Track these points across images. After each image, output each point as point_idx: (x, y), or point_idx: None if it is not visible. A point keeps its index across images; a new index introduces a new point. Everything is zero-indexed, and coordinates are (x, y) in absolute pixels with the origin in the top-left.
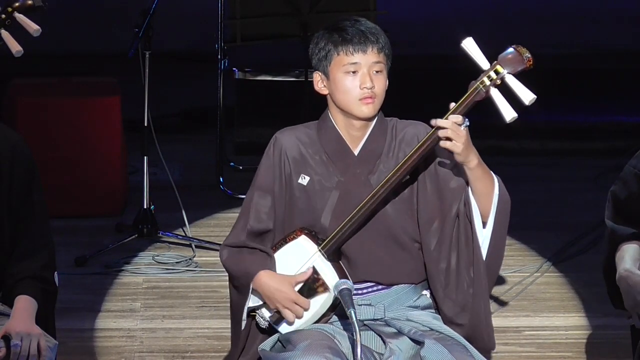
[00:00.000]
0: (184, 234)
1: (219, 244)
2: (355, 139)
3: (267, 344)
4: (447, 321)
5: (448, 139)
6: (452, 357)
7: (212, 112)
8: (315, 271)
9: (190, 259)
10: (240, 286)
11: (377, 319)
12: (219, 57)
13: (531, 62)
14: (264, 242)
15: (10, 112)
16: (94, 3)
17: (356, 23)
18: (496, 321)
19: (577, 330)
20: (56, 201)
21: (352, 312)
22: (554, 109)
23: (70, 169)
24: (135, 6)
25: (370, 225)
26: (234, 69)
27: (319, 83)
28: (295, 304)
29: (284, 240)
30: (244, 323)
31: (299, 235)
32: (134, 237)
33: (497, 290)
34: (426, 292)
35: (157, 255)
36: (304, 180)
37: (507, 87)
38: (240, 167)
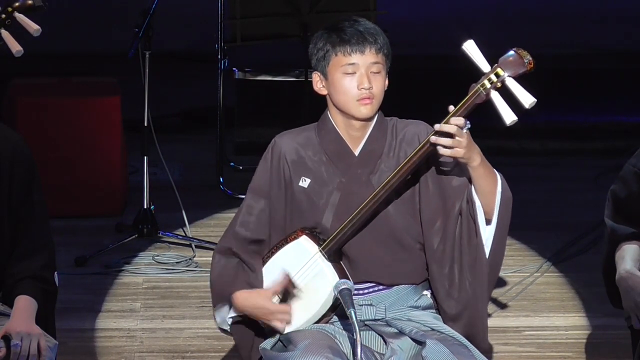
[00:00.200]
0: (184, 234)
1: None
2: (356, 139)
3: (268, 343)
4: (448, 320)
5: (446, 146)
6: (453, 357)
7: (212, 112)
8: (289, 276)
9: (190, 259)
10: (220, 304)
11: (378, 319)
12: (219, 57)
13: (532, 65)
14: (260, 247)
15: (10, 112)
16: (94, 3)
17: (355, 23)
18: (496, 321)
19: (577, 330)
20: (56, 201)
21: (352, 312)
22: (554, 109)
23: (70, 169)
24: (135, 6)
25: (371, 226)
26: (234, 69)
27: (318, 83)
28: (278, 313)
29: (285, 241)
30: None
31: (300, 236)
32: (134, 237)
33: (497, 291)
34: (427, 293)
35: (157, 255)
36: (305, 182)
37: (508, 90)
38: (240, 167)
